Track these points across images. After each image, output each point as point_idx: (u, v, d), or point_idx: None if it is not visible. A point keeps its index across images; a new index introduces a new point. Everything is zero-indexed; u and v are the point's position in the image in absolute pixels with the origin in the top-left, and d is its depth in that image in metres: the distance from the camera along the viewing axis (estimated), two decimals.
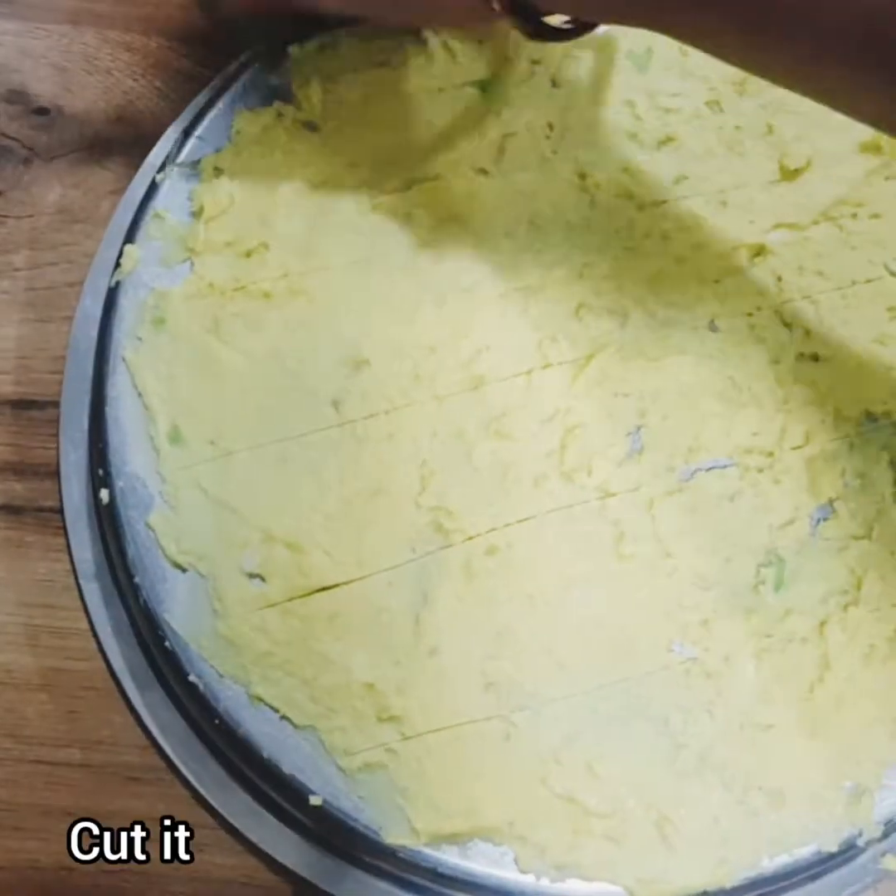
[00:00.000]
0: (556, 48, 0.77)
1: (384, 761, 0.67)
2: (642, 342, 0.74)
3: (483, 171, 0.76)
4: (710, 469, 0.72)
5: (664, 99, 0.77)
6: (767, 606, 0.70)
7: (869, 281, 0.75)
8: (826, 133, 0.77)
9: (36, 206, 0.82)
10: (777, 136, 0.77)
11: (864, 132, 0.75)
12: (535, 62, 0.78)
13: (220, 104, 0.78)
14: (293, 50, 0.78)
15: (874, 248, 0.76)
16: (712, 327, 0.74)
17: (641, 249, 0.75)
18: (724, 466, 0.72)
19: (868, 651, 0.70)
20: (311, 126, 0.78)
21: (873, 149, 0.77)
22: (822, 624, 0.70)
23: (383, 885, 0.69)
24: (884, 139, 0.76)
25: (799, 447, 0.72)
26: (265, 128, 0.77)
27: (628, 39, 0.78)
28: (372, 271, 0.75)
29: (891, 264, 0.76)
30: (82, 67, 0.85)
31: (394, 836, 0.66)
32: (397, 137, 0.77)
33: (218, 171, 0.76)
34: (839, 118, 0.72)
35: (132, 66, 0.85)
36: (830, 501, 0.72)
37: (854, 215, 0.76)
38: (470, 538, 0.70)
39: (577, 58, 0.78)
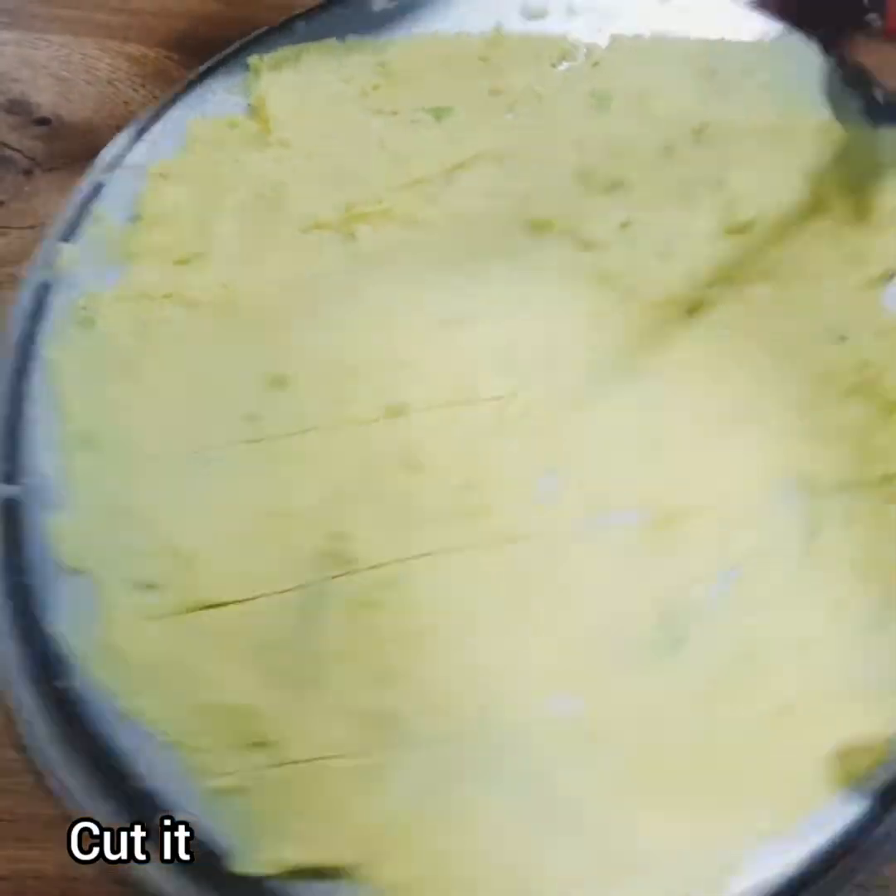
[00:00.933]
0: (517, 81, 0.76)
1: (247, 787, 0.67)
2: (569, 386, 0.73)
3: (429, 199, 0.75)
4: (618, 521, 0.71)
5: (619, 142, 0.76)
6: (660, 666, 0.69)
7: (803, 343, 0.73)
8: (777, 192, 0.76)
9: (38, 216, 0.82)
10: (728, 190, 0.75)
11: (815, 194, 0.74)
12: (493, 93, 0.77)
13: (177, 109, 0.78)
14: (252, 61, 0.77)
15: (813, 311, 0.74)
16: (641, 376, 0.73)
17: (578, 291, 0.74)
18: (634, 520, 0.71)
19: (755, 723, 0.68)
20: (263, 138, 0.77)
21: (822, 211, 0.75)
22: (714, 689, 0.68)
23: None
24: (830, 202, 0.74)
25: (712, 507, 0.71)
26: (217, 136, 0.77)
27: (589, 79, 0.77)
28: (305, 290, 0.74)
29: (827, 329, 0.74)
30: (83, 77, 0.85)
31: (244, 863, 0.65)
32: (348, 156, 0.77)
33: (164, 176, 0.76)
34: (792, 178, 0.72)
35: (132, 76, 0.86)
36: (736, 565, 0.70)
37: (796, 276, 0.74)
38: (367, 569, 0.69)
39: (537, 93, 0.77)
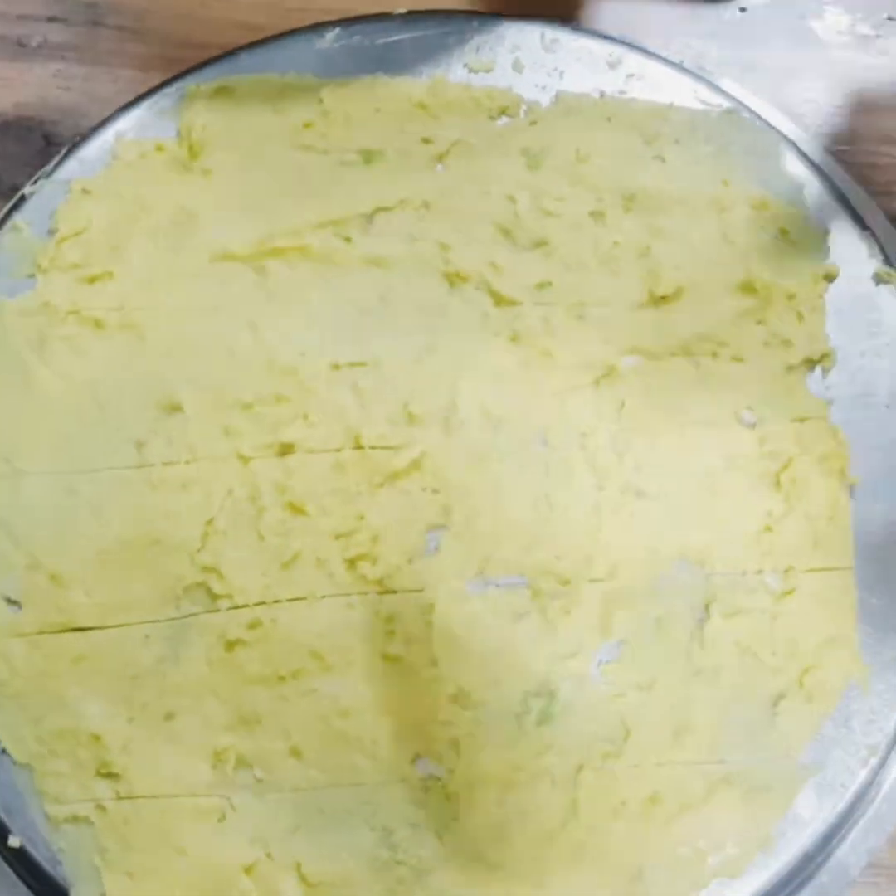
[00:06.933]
0: (452, 131, 0.75)
1: (92, 817, 0.66)
2: (465, 441, 0.71)
3: (346, 239, 0.74)
4: (501, 584, 0.69)
5: (548, 201, 0.75)
6: (527, 738, 0.67)
7: (714, 424, 0.71)
8: (704, 266, 0.74)
9: None
10: (653, 260, 0.74)
11: (742, 271, 0.73)
12: (425, 140, 0.76)
13: (111, 128, 0.77)
14: (188, 87, 0.77)
15: (728, 392, 0.72)
16: (542, 440, 0.71)
17: (489, 345, 0.73)
18: (517, 585, 0.69)
19: (619, 807, 0.66)
20: (188, 164, 0.76)
21: (749, 290, 0.73)
22: (579, 769, 0.66)
23: None
24: (759, 282, 0.73)
25: (599, 580, 0.69)
26: (143, 157, 0.76)
27: (527, 135, 0.76)
28: (209, 319, 0.73)
29: (741, 412, 0.72)
30: None
31: None
32: (270, 189, 0.76)
33: (85, 192, 0.76)
34: (721, 253, 0.70)
35: None
36: (619, 643, 0.68)
37: (715, 354, 0.73)
38: (236, 607, 0.68)
39: (468, 144, 0.76)
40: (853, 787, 0.68)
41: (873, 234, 0.76)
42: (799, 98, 0.84)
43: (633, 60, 0.80)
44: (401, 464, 0.70)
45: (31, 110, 0.84)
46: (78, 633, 0.68)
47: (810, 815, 0.67)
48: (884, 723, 0.69)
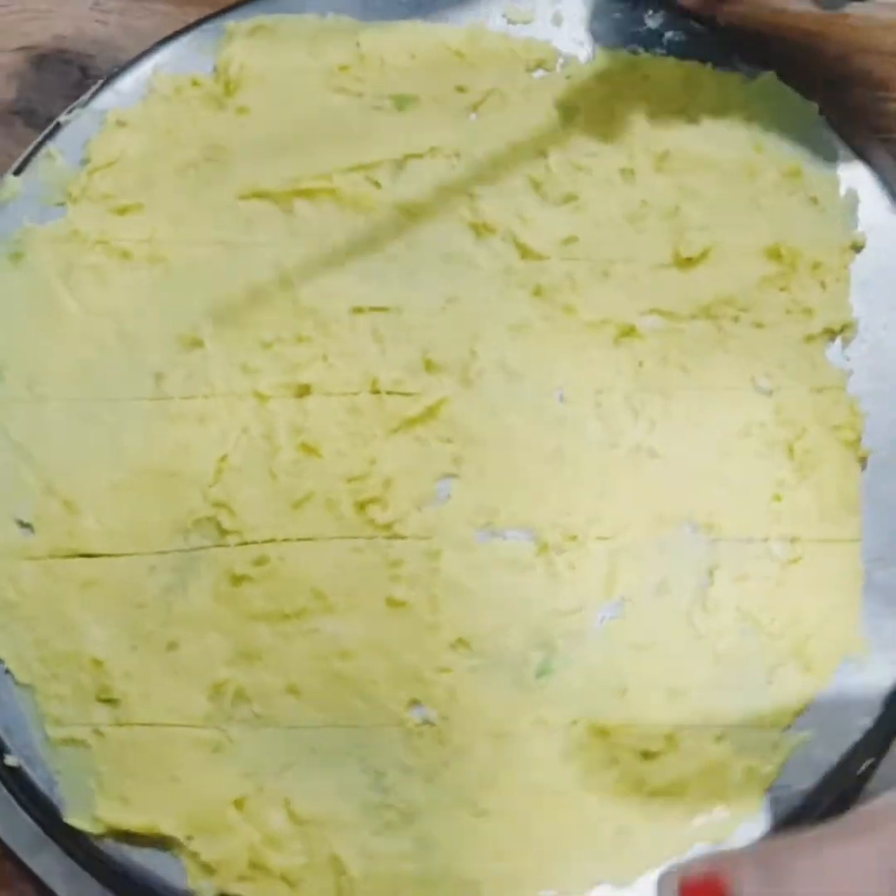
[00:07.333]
0: (487, 80, 0.75)
1: (89, 741, 0.67)
2: (482, 392, 0.71)
3: (376, 184, 0.75)
4: (509, 536, 0.69)
5: (580, 156, 0.75)
6: (524, 690, 0.67)
7: (731, 389, 0.71)
8: (732, 229, 0.74)
9: None
10: (681, 220, 0.74)
11: (769, 237, 0.72)
12: (460, 89, 0.76)
13: (149, 61, 0.78)
14: (227, 24, 0.77)
15: (747, 358, 0.72)
16: (559, 395, 0.71)
17: (511, 298, 0.73)
18: (524, 537, 0.69)
19: (610, 762, 0.66)
20: (223, 100, 0.76)
21: (775, 256, 0.73)
22: (573, 723, 0.66)
23: (71, 864, 0.67)
24: (785, 248, 0.73)
25: (606, 538, 0.69)
26: (178, 91, 0.77)
27: (559, 89, 0.76)
28: (234, 256, 0.74)
29: (759, 379, 0.72)
30: None
31: (74, 817, 0.66)
32: (303, 130, 0.76)
33: (120, 124, 0.76)
34: (750, 218, 0.70)
35: None
36: (621, 601, 0.68)
37: (736, 319, 0.73)
38: (244, 543, 0.68)
39: (503, 95, 0.76)
40: (842, 757, 0.67)
41: None
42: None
43: (670, 20, 0.79)
44: (416, 411, 0.71)
45: (68, 43, 0.85)
46: (87, 559, 0.69)
47: (796, 785, 0.67)
48: (875, 699, 0.68)
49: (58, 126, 0.77)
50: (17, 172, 0.76)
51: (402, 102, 0.76)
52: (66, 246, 0.74)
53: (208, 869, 0.64)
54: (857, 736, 0.67)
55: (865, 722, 0.67)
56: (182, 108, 0.76)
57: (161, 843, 0.66)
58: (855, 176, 0.76)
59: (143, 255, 0.73)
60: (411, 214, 0.74)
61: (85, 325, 0.72)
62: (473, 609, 0.68)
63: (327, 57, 0.77)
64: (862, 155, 0.77)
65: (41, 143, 0.77)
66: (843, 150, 0.77)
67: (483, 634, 0.68)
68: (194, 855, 0.65)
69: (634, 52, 0.79)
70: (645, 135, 0.75)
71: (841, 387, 0.72)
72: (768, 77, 0.78)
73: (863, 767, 0.68)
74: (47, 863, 0.68)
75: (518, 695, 0.67)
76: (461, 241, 0.74)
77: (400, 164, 0.75)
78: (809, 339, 0.73)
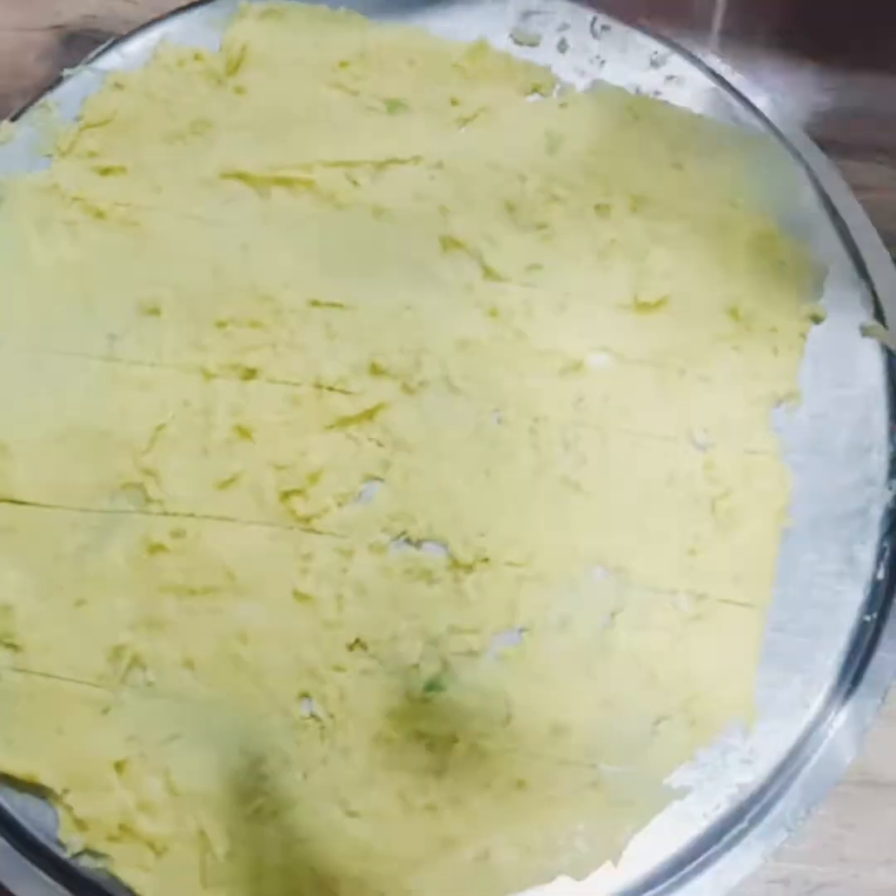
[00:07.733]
0: (479, 96, 0.76)
1: None
2: (421, 402, 0.72)
3: (354, 182, 0.76)
4: (421, 545, 0.70)
5: (558, 187, 0.75)
6: (411, 700, 0.68)
7: (666, 439, 0.72)
8: (695, 282, 0.75)
9: None
10: (647, 265, 0.74)
11: (731, 295, 0.73)
12: (453, 102, 0.77)
13: (159, 28, 0.79)
14: (241, 3, 0.78)
15: (688, 410, 0.73)
16: (496, 417, 0.72)
17: (466, 315, 0.74)
18: (438, 551, 0.70)
19: (483, 786, 0.67)
20: (223, 78, 0.78)
21: (733, 314, 0.74)
22: (453, 740, 0.68)
23: None
24: (744, 309, 0.73)
25: (516, 565, 0.70)
26: (180, 63, 0.78)
27: (553, 117, 0.76)
28: (205, 232, 0.75)
29: (696, 432, 0.72)
30: None
31: None
32: (294, 119, 0.77)
33: (118, 87, 0.78)
34: (715, 272, 0.70)
35: None
36: (522, 629, 0.69)
37: (683, 370, 0.73)
38: (166, 513, 0.70)
39: (495, 113, 0.77)
40: (713, 819, 0.68)
41: (871, 284, 0.75)
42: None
43: (676, 63, 0.79)
44: (354, 411, 0.72)
45: (98, 22, 0.87)
46: (12, 505, 0.70)
47: (665, 837, 0.67)
48: (759, 764, 0.69)
49: (60, 80, 0.78)
50: (15, 119, 0.77)
51: (393, 106, 0.77)
52: (46, 198, 0.75)
53: (81, 824, 0.66)
54: (734, 795, 0.68)
55: (747, 781, 0.68)
56: (181, 80, 0.78)
57: (40, 790, 0.67)
58: (831, 249, 0.76)
59: (117, 218, 0.75)
60: (383, 218, 0.75)
61: (52, 276, 0.74)
62: (375, 613, 0.69)
63: (330, 51, 0.78)
64: (843, 228, 0.76)
65: (42, 94, 0.77)
66: (824, 218, 0.76)
67: (380, 639, 0.69)
68: (69, 808, 0.66)
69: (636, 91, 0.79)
70: (626, 173, 0.75)
71: (775, 453, 0.72)
72: (762, 134, 0.78)
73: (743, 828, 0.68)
74: None
75: (405, 704, 0.68)
76: (428, 251, 0.75)
77: (381, 166, 0.76)
78: (753, 401, 0.73)
